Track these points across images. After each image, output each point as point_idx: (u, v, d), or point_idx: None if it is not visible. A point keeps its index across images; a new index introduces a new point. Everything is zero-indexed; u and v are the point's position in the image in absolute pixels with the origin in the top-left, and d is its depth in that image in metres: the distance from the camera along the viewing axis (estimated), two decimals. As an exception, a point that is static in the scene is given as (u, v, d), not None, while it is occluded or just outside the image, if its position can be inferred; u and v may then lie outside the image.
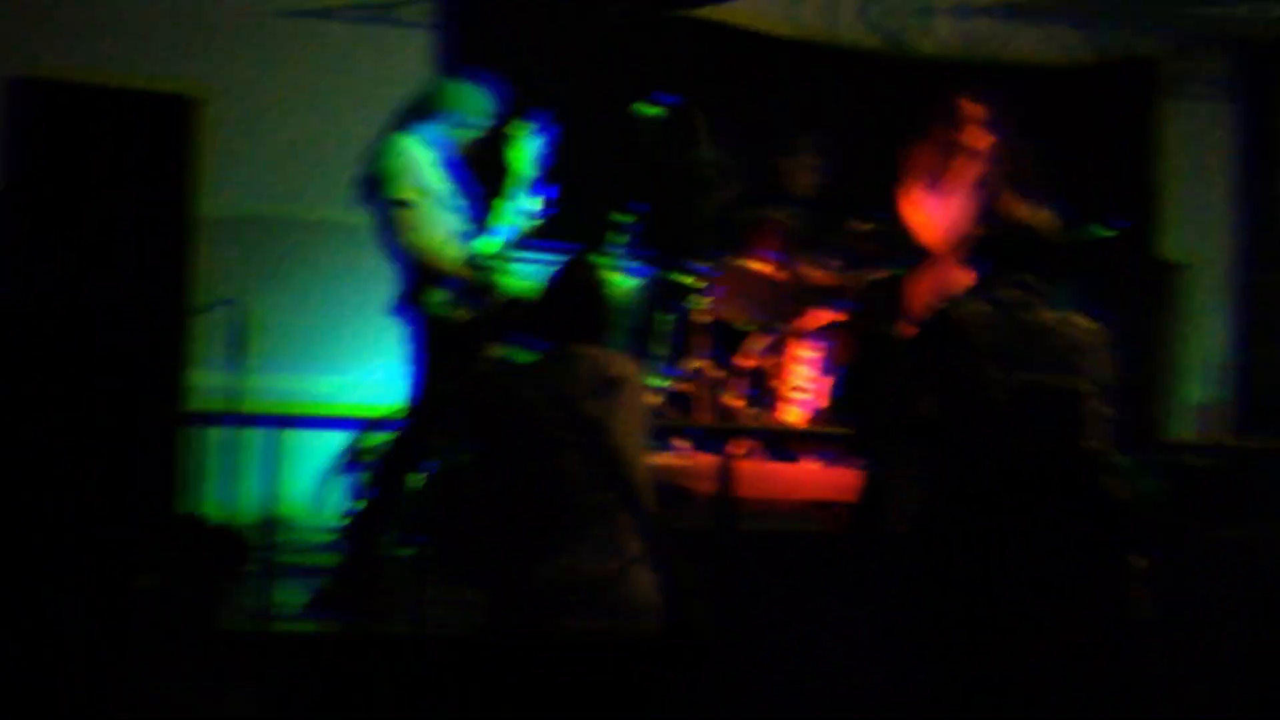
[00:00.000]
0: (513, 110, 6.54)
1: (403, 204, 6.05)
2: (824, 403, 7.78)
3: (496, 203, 6.41)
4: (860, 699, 5.54)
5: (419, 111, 6.27)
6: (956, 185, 7.17)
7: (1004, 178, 7.20)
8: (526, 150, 6.44)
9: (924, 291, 7.13)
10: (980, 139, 7.20)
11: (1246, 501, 7.56)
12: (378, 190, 6.12)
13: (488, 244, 6.38)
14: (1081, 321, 4.72)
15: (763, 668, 5.46)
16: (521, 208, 6.42)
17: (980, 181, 7.18)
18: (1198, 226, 10.17)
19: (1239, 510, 7.70)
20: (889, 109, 9.48)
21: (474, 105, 6.31)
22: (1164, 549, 5.91)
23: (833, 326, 7.86)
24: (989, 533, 4.49)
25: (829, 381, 7.78)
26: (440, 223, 6.19)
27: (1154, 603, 4.56)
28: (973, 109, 7.24)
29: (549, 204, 6.58)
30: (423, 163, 6.16)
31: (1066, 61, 10.02)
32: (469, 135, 6.32)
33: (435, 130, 6.25)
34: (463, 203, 6.34)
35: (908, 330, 6.99)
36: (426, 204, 6.12)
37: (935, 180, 7.20)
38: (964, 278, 5.12)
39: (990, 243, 4.93)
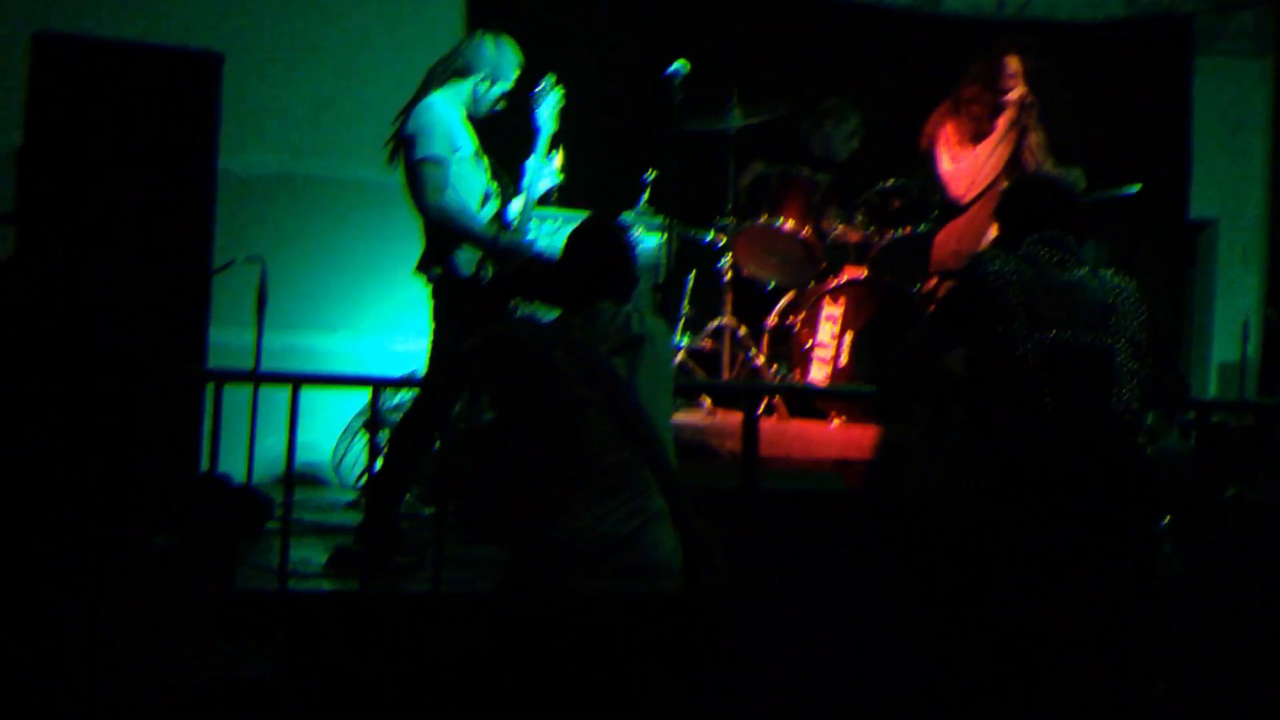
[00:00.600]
0: (542, 70, 6.51)
1: (431, 163, 6.02)
2: (847, 361, 7.75)
3: (524, 162, 6.38)
4: (883, 659, 5.52)
5: (448, 68, 6.23)
6: (990, 138, 7.12)
7: (1038, 134, 7.14)
8: (553, 110, 6.41)
9: (951, 245, 7.09)
10: (1016, 92, 7.16)
11: (1274, 460, 7.51)
12: (406, 149, 6.09)
13: (514, 203, 6.36)
14: (1113, 278, 4.67)
15: (782, 627, 5.44)
16: (548, 167, 6.40)
17: (1014, 135, 7.14)
18: (1230, 184, 10.08)
19: (1267, 469, 7.65)
20: (919, 68, 9.42)
21: (502, 62, 6.27)
22: (1191, 507, 5.89)
23: (857, 284, 7.81)
24: (1017, 490, 4.46)
25: (853, 339, 7.75)
26: (470, 182, 6.17)
27: (1180, 561, 4.52)
28: (1011, 61, 7.22)
29: (575, 163, 6.55)
30: (452, 122, 6.13)
31: (1099, 18, 9.93)
32: (497, 93, 6.29)
33: (464, 88, 6.22)
34: (490, 162, 6.32)
35: (931, 287, 6.96)
36: (455, 163, 6.10)
37: (969, 132, 7.14)
38: (992, 231, 5.08)
39: (1021, 199, 4.89)
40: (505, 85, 6.30)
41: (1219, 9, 10.07)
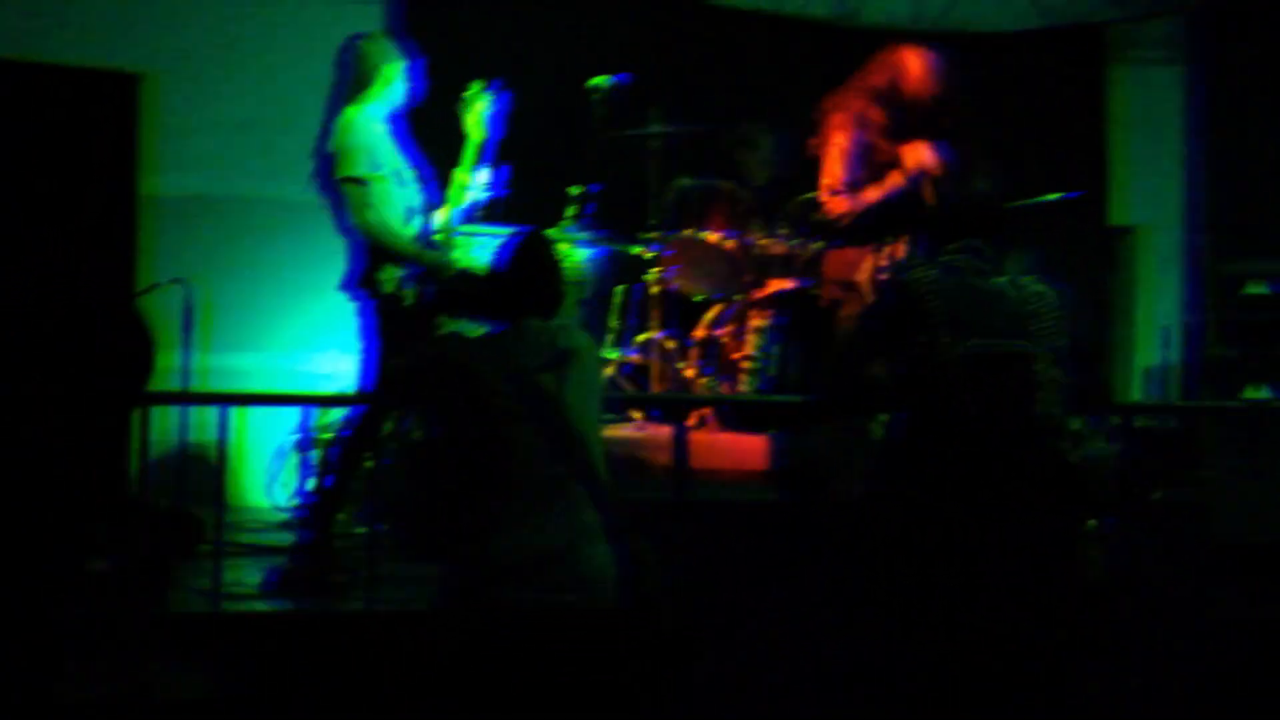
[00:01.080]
0: (466, 82, 6.51)
1: (355, 181, 6.01)
2: (777, 372, 7.77)
3: (450, 177, 6.38)
4: (817, 668, 5.55)
5: (350, 85, 6.21)
6: (877, 188, 6.82)
7: (947, 142, 6.95)
8: (480, 122, 6.41)
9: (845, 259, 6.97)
10: (916, 160, 6.77)
11: (1196, 463, 7.59)
12: (330, 168, 6.08)
13: (441, 220, 6.35)
14: (1032, 286, 4.73)
15: (719, 638, 5.45)
16: (475, 182, 6.40)
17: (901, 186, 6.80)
18: (1148, 191, 10.20)
19: (1189, 472, 7.73)
20: (837, 79, 9.47)
21: (387, 48, 6.25)
22: (1116, 511, 5.95)
23: (785, 296, 7.84)
24: (943, 497, 4.50)
25: (781, 351, 7.77)
26: (393, 199, 6.16)
27: (1106, 564, 4.57)
28: (911, 60, 6.96)
29: (502, 178, 6.55)
30: (372, 138, 6.12)
31: (1014, 28, 10.03)
32: (401, 72, 6.25)
33: (377, 92, 6.19)
34: (415, 177, 6.31)
35: (828, 299, 6.94)
36: (379, 181, 6.08)
37: (860, 151, 6.88)
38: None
39: (943, 211, 4.94)
40: (402, 62, 6.28)
41: (1132, 19, 10.19)
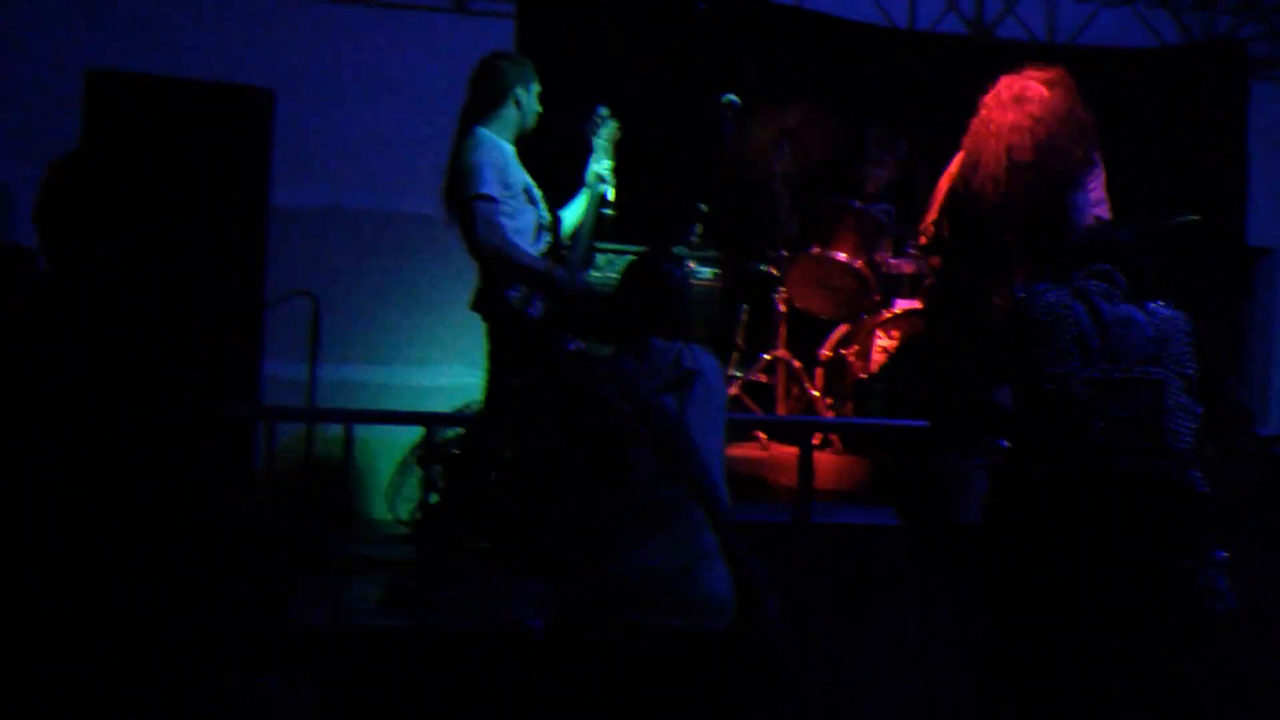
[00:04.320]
0: (592, 101, 6.51)
1: (486, 199, 6.02)
2: (902, 394, 7.70)
3: (576, 197, 6.39)
4: (933, 696, 5.48)
5: (482, 104, 6.22)
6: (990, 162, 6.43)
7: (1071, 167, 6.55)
8: (605, 142, 6.41)
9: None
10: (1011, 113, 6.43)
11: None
12: (458, 186, 6.09)
13: (566, 238, 6.36)
14: (1163, 310, 4.64)
15: (835, 662, 5.41)
16: (598, 201, 6.39)
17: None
18: (1287, 211, 10.02)
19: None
20: (971, 96, 9.38)
21: (524, 69, 6.26)
22: (1250, 541, 5.82)
23: (911, 315, 7.77)
24: (1068, 526, 4.42)
25: (907, 373, 7.70)
26: (520, 218, 6.16)
27: (1238, 595, 4.46)
28: (1010, 82, 6.53)
29: (626, 197, 6.54)
30: (502, 157, 6.13)
31: (1153, 44, 9.89)
32: (534, 96, 6.27)
33: (507, 113, 6.21)
34: (541, 196, 6.31)
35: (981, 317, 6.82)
36: (506, 199, 6.09)
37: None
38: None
39: (1076, 238, 4.88)
40: (537, 86, 6.29)
41: (1274, 34, 10.01)
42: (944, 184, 6.62)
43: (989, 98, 6.50)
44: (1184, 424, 4.50)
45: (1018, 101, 6.42)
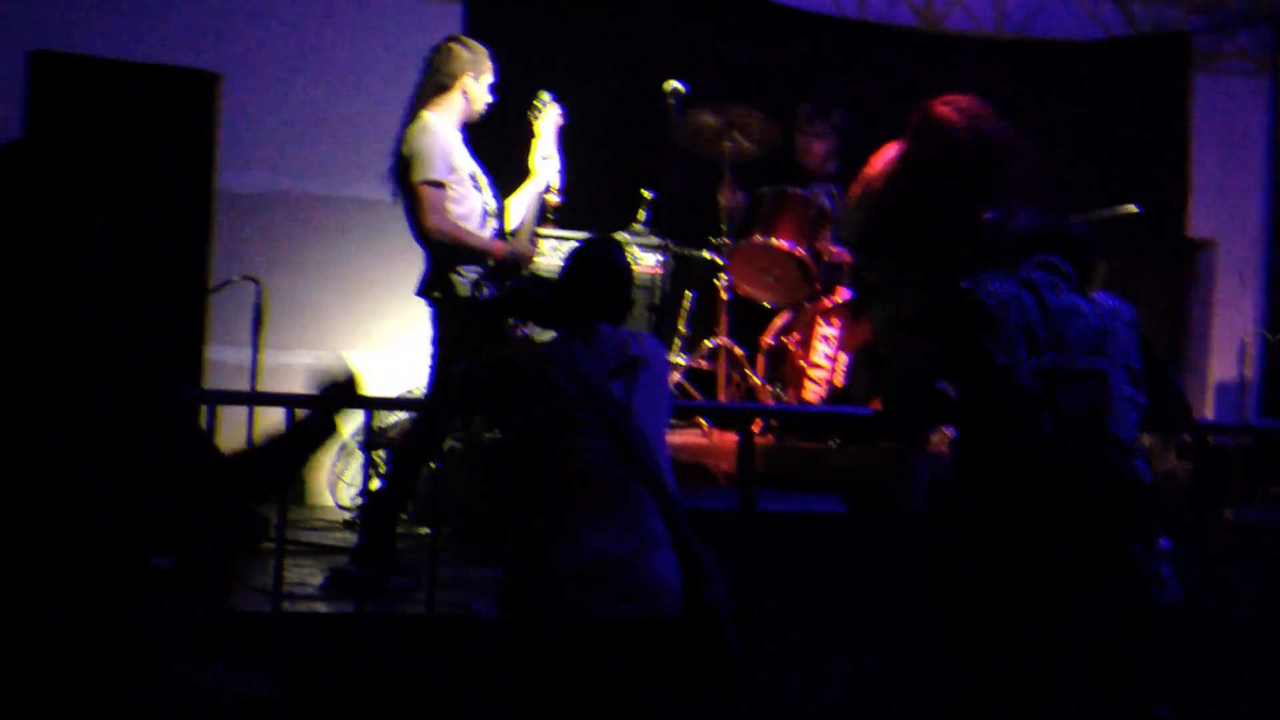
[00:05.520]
0: (538, 88, 6.50)
1: (429, 185, 6.01)
2: (843, 381, 7.73)
3: (521, 183, 6.38)
4: (882, 682, 5.51)
5: (430, 86, 6.20)
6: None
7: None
8: (550, 128, 6.40)
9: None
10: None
11: (1271, 481, 7.49)
12: (407, 171, 6.08)
13: (511, 224, 6.34)
14: (1108, 301, 4.66)
15: (782, 649, 5.42)
16: (545, 188, 6.39)
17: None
18: (1229, 202, 10.09)
19: (1266, 490, 7.63)
20: (917, 86, 9.42)
21: (478, 57, 6.24)
22: (1189, 530, 5.87)
23: (853, 304, 7.79)
24: (1014, 513, 4.44)
25: (848, 360, 7.73)
26: (466, 203, 6.15)
27: (1180, 583, 4.50)
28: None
29: (572, 183, 6.54)
30: (448, 142, 6.12)
31: (1098, 36, 9.95)
32: (484, 86, 6.25)
33: (455, 99, 6.19)
34: (487, 182, 6.30)
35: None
36: (453, 184, 6.08)
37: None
38: None
39: (1020, 226, 4.90)
40: (489, 77, 6.27)
41: (1218, 28, 10.08)
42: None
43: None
44: (1129, 415, 4.53)
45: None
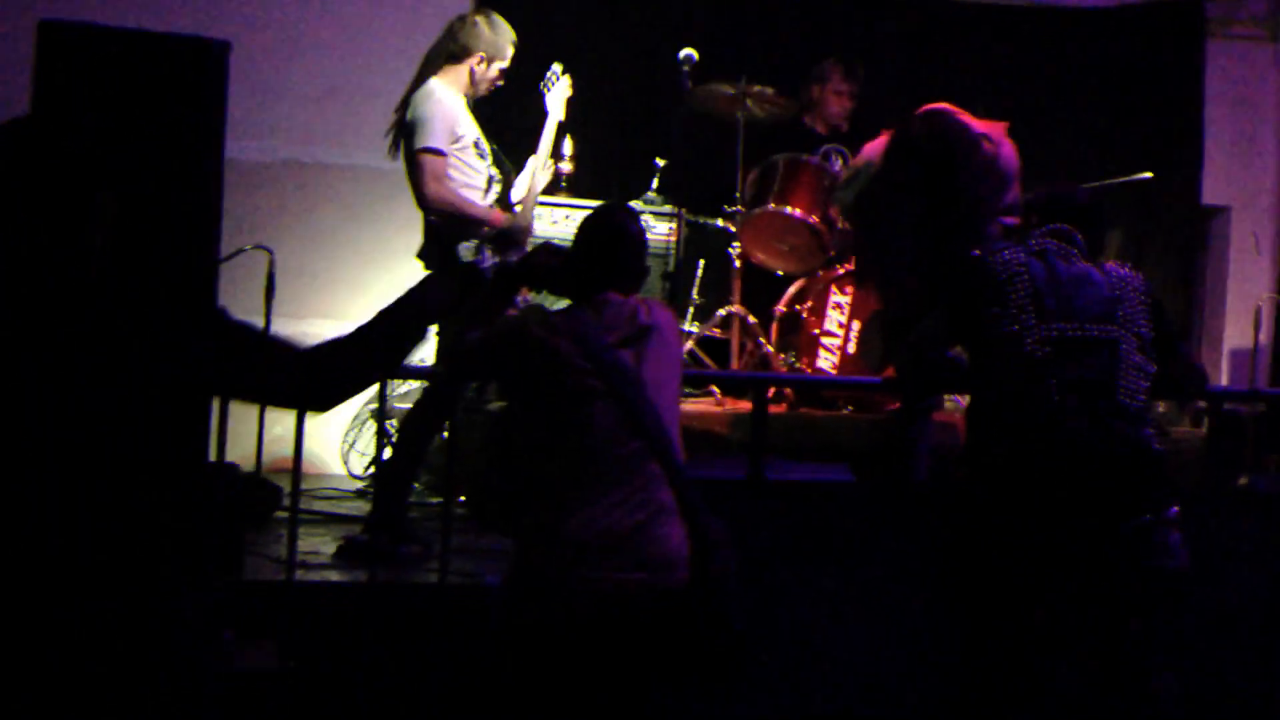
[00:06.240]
0: (549, 58, 6.48)
1: (435, 152, 6.00)
2: (855, 349, 7.72)
3: (532, 149, 6.37)
4: (892, 649, 5.51)
5: (443, 53, 6.20)
6: None
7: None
8: (557, 96, 6.39)
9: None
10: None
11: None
12: (407, 138, 6.07)
13: (518, 184, 6.34)
14: (1119, 270, 4.65)
15: (791, 619, 5.43)
16: (551, 155, 6.38)
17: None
18: (1242, 169, 10.05)
19: (1277, 459, 7.61)
20: (928, 53, 9.39)
21: (498, 40, 6.22)
22: (1201, 496, 5.87)
23: (855, 271, 7.77)
24: (1023, 481, 4.44)
25: (860, 327, 7.72)
26: (470, 170, 6.15)
27: (1189, 550, 4.50)
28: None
29: (583, 152, 6.53)
30: (452, 109, 6.11)
31: (1110, 4, 9.89)
32: (495, 71, 6.24)
33: (462, 71, 6.18)
34: (493, 149, 6.30)
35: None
36: (458, 152, 6.08)
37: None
38: None
39: (1035, 196, 4.90)
40: (503, 63, 6.26)
41: (1229, -7, 10.04)
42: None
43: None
44: (1138, 383, 4.52)
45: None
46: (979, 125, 6.45)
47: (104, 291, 3.22)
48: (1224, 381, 9.54)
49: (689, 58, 7.48)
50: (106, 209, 3.30)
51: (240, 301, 6.74)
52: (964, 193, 6.05)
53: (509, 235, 6.14)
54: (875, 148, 6.51)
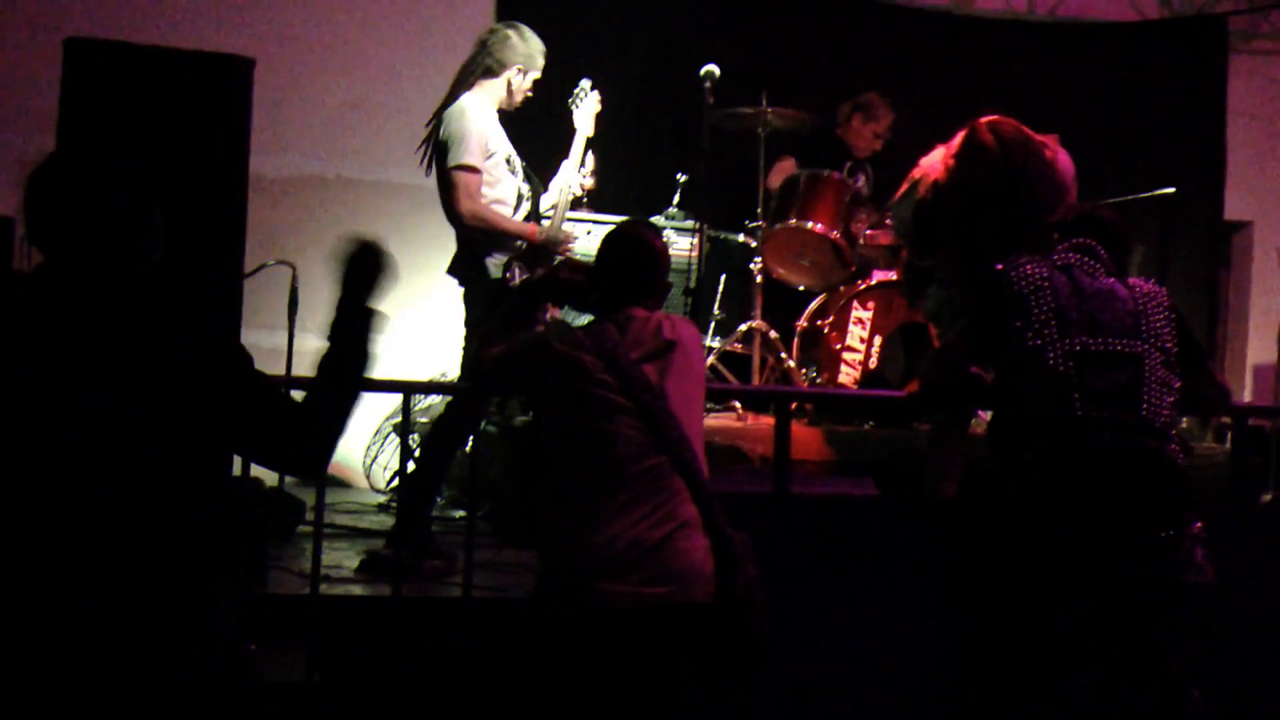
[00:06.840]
0: (572, 74, 6.50)
1: (469, 169, 6.01)
2: (876, 364, 7.73)
3: (558, 166, 6.38)
4: (917, 665, 5.50)
5: (476, 68, 6.21)
6: None
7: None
8: (586, 112, 6.40)
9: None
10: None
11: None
12: (439, 155, 6.09)
13: (546, 207, 6.35)
14: (1143, 285, 4.65)
15: (815, 633, 5.42)
16: (580, 170, 6.39)
17: None
18: (1265, 185, 10.04)
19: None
20: (951, 68, 9.40)
21: (532, 52, 6.24)
22: (1226, 512, 5.85)
23: (887, 287, 7.78)
24: (1046, 498, 4.43)
25: (882, 343, 7.72)
26: (500, 187, 6.16)
27: (1215, 567, 4.48)
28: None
29: (606, 167, 6.54)
30: (485, 126, 6.12)
31: (1134, 18, 9.89)
32: (529, 83, 6.25)
33: (496, 85, 6.19)
34: (523, 165, 6.31)
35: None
36: (488, 168, 6.09)
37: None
38: None
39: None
40: (536, 74, 6.28)
41: (1254, 9, 10.02)
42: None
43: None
44: (1162, 398, 4.51)
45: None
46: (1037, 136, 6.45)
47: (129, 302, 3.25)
48: (1247, 397, 9.52)
49: (711, 74, 7.50)
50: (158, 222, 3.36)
51: (263, 316, 6.81)
52: (1032, 201, 6.03)
53: (540, 250, 6.15)
54: (931, 161, 6.48)
